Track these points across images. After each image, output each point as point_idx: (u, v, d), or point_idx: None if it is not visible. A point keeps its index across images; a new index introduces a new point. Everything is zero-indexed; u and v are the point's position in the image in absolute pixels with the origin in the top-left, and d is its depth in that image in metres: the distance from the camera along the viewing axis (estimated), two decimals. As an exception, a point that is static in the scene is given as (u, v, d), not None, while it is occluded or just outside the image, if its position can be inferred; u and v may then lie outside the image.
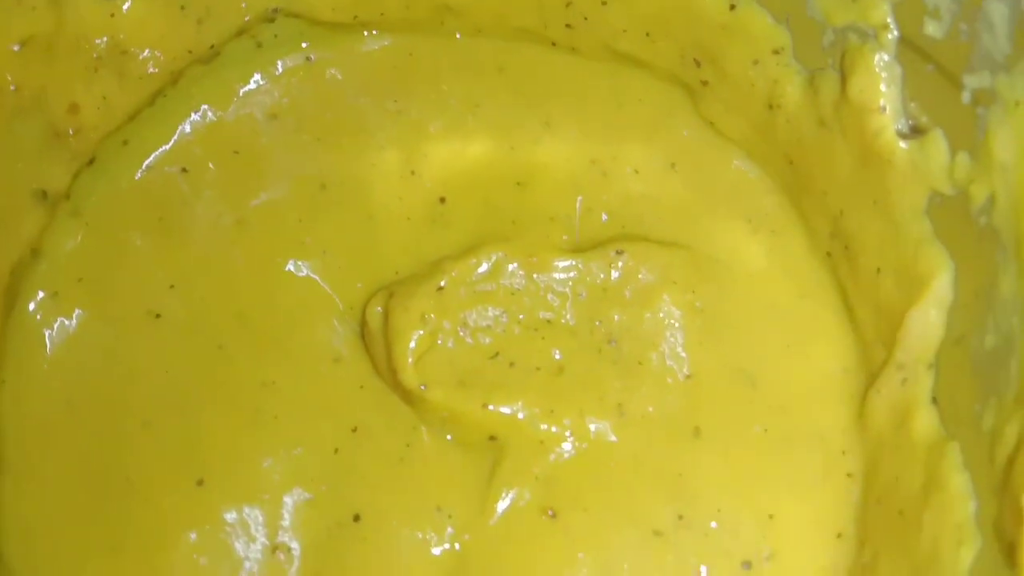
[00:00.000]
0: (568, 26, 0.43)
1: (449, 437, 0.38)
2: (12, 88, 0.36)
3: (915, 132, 0.35)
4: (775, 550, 0.36)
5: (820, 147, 0.39)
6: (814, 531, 0.36)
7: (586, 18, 0.42)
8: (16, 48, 0.35)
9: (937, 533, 0.31)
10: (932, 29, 0.33)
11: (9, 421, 0.38)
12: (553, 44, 0.44)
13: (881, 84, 0.35)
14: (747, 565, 0.36)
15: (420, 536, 0.36)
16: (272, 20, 0.43)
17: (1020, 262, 0.30)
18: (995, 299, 0.32)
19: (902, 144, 0.35)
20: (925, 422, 0.34)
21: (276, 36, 0.43)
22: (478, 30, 0.44)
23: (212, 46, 0.42)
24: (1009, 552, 0.26)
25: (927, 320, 0.35)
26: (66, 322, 0.39)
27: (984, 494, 0.30)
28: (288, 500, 0.36)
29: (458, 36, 0.45)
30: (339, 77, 0.44)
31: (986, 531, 0.29)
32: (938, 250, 0.35)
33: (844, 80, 0.36)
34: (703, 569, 0.36)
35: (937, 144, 0.34)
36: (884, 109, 0.35)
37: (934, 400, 0.34)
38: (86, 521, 0.36)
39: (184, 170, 0.42)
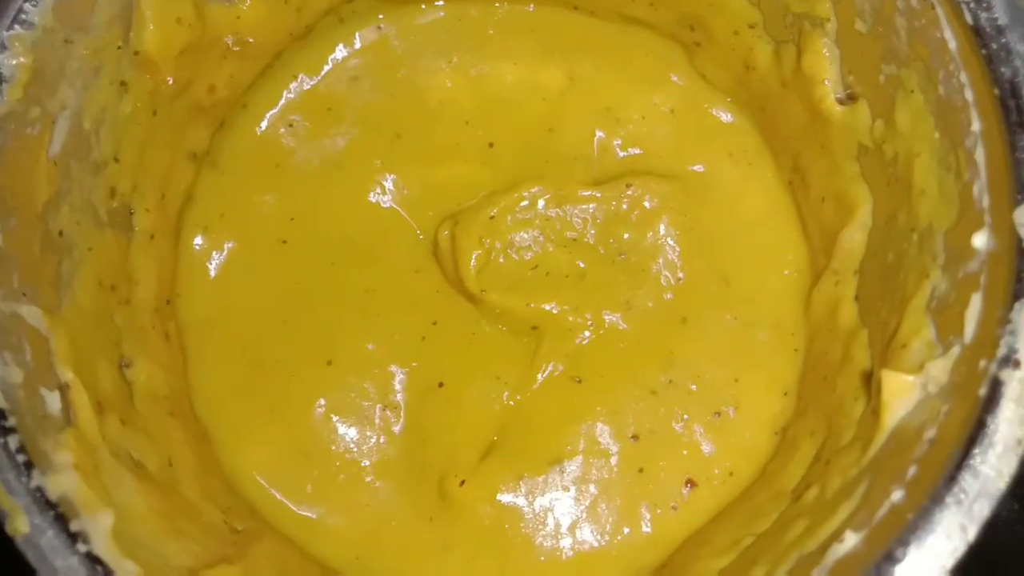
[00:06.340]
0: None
1: (503, 327, 0.52)
2: (170, 82, 0.48)
3: (850, 99, 0.46)
4: (739, 404, 0.50)
5: (783, 102, 0.50)
6: (767, 390, 0.50)
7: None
8: (176, 55, 0.47)
9: (843, 391, 0.44)
10: (860, 26, 0.44)
11: (187, 324, 0.52)
12: (575, 8, 0.55)
13: (825, 63, 0.46)
14: (718, 414, 0.50)
15: (485, 396, 0.50)
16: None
17: (907, 204, 0.42)
18: (895, 227, 0.44)
19: (839, 108, 0.46)
20: (848, 314, 0.47)
21: (354, 11, 0.54)
22: (514, -1, 0.54)
23: (307, 26, 0.53)
24: (875, 408, 0.40)
25: (854, 238, 0.47)
26: (216, 249, 0.53)
27: (876, 365, 0.43)
28: (392, 372, 0.50)
29: (497, 4, 0.55)
30: (403, 43, 0.55)
31: (873, 392, 0.43)
32: (863, 187, 0.46)
33: (799, 55, 0.47)
34: (685, 416, 0.49)
35: (863, 111, 0.45)
36: (827, 82, 0.46)
37: (856, 298, 0.47)
38: (249, 394, 0.50)
39: (290, 125, 0.55)
